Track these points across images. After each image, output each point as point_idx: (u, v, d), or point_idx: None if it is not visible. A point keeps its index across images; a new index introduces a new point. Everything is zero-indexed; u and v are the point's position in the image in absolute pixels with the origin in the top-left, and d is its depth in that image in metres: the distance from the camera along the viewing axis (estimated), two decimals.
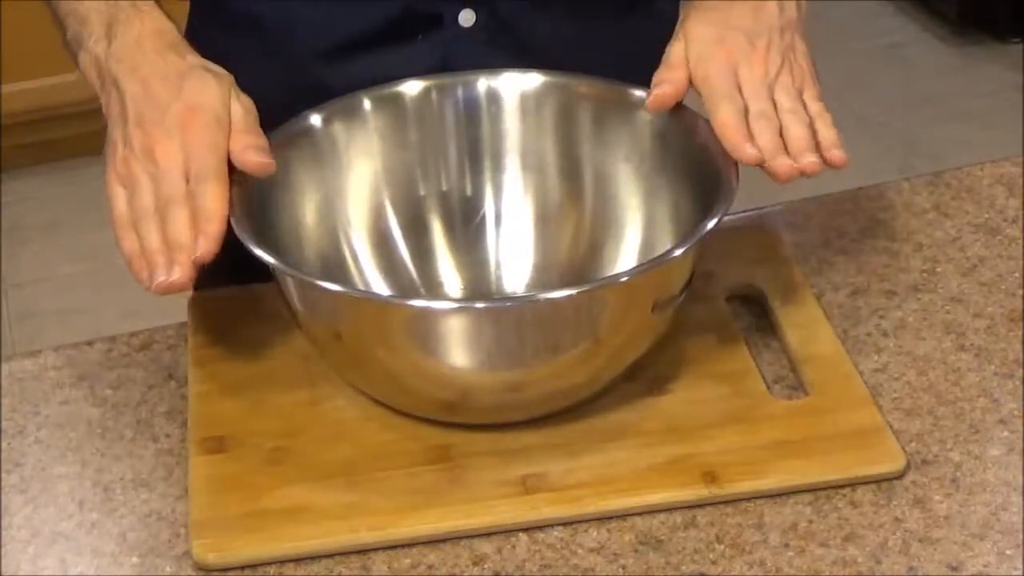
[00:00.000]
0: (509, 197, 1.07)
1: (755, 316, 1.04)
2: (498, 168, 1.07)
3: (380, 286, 1.04)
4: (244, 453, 0.94)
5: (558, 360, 0.91)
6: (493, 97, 1.06)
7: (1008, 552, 0.87)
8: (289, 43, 1.11)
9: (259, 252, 0.90)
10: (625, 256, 1.03)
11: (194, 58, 0.98)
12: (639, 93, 1.03)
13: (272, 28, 1.11)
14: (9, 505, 0.93)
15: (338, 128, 1.04)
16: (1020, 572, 0.86)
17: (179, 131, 0.93)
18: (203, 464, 0.93)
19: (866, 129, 2.65)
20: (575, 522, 0.90)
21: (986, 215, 1.13)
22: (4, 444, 0.97)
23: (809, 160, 0.95)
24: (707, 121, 0.99)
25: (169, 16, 1.00)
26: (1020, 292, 1.05)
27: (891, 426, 0.94)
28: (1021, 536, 0.88)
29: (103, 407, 1.00)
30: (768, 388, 0.98)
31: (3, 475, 0.95)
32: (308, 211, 1.02)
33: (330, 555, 0.88)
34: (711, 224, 0.91)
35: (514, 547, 0.89)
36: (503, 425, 0.94)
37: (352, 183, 1.05)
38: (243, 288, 1.06)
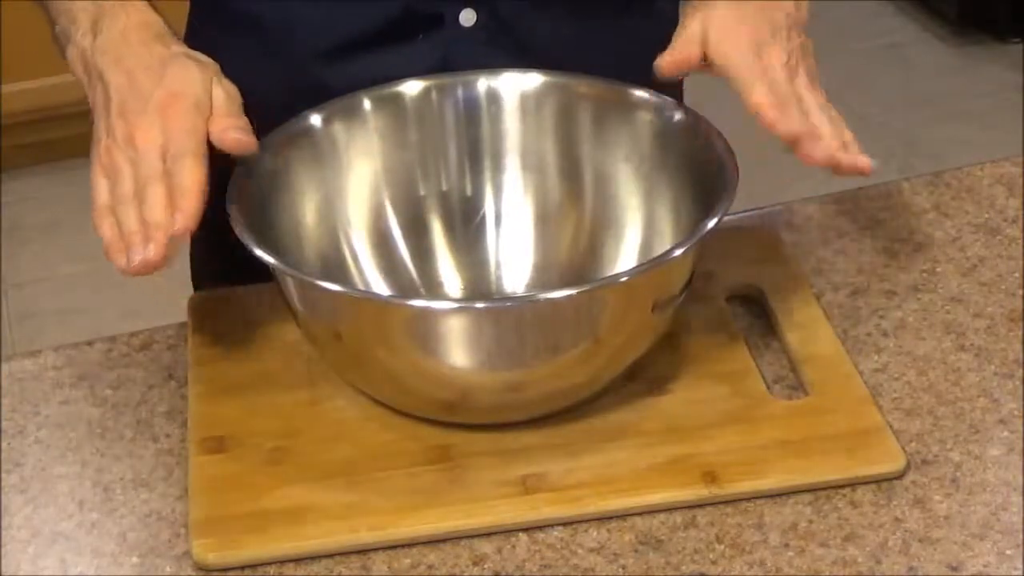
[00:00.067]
0: (509, 197, 1.07)
1: (755, 316, 1.04)
2: (498, 168, 1.07)
3: (380, 286, 1.04)
4: (244, 453, 0.94)
5: (558, 360, 0.91)
6: (493, 97, 1.06)
7: (1008, 552, 0.87)
8: (289, 43, 1.11)
9: (259, 252, 0.90)
10: (625, 256, 1.03)
11: (178, 47, 0.98)
12: (639, 93, 1.03)
13: (272, 28, 1.11)
14: (9, 505, 0.93)
15: (338, 128, 1.04)
16: (1020, 572, 0.86)
17: (159, 117, 0.93)
18: (203, 464, 0.93)
19: (866, 129, 2.64)
20: (575, 522, 0.90)
21: (986, 215, 1.13)
22: (4, 444, 0.97)
23: (844, 157, 0.95)
24: (707, 121, 0.99)
25: (156, 9, 1.00)
26: (1020, 292, 1.05)
27: (891, 426, 0.94)
28: (1021, 536, 0.88)
29: (103, 407, 1.00)
30: (768, 388, 0.98)
31: (3, 475, 0.95)
32: (308, 211, 1.02)
33: (330, 555, 0.88)
34: (711, 224, 0.91)
35: (514, 547, 0.89)
36: (503, 425, 0.94)
37: (352, 183, 1.05)
38: (243, 288, 1.06)
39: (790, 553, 0.87)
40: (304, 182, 1.02)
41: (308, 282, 0.91)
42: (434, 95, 1.06)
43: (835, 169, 0.97)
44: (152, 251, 0.89)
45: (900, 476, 0.91)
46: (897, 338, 1.02)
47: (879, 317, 1.04)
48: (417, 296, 1.04)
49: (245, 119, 0.96)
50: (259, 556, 0.88)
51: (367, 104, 1.05)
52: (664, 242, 0.99)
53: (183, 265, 1.31)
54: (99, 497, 0.93)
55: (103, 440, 0.97)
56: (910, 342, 1.02)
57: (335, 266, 1.03)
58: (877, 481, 0.91)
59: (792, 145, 0.96)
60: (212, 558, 0.88)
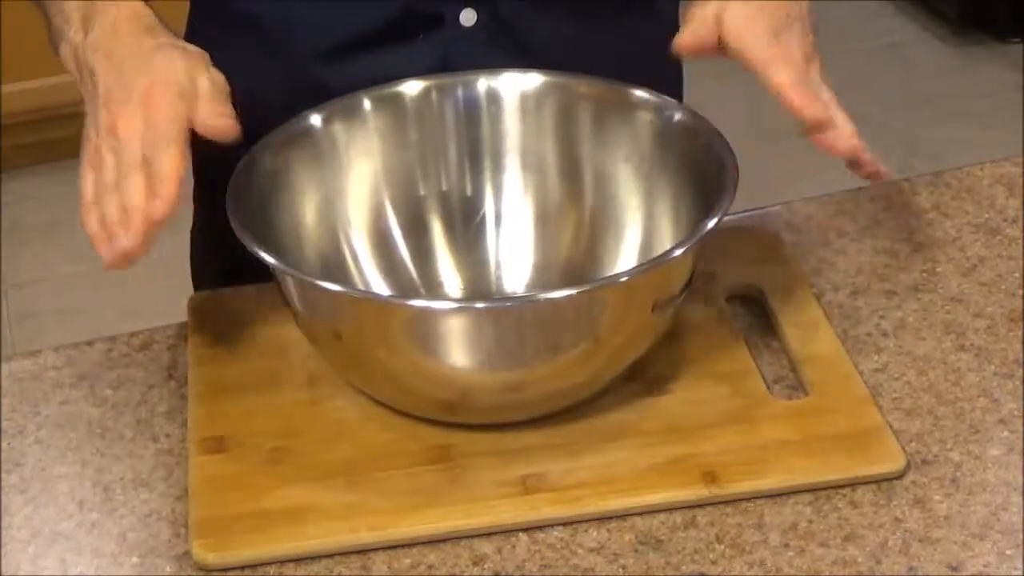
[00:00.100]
0: (509, 197, 1.07)
1: (755, 316, 1.04)
2: (498, 168, 1.07)
3: (380, 286, 1.04)
4: (244, 453, 0.94)
5: (558, 360, 0.91)
6: (493, 97, 1.06)
7: (1008, 552, 0.87)
8: (289, 43, 1.11)
9: (259, 252, 0.90)
10: (625, 256, 1.04)
11: (167, 38, 0.97)
12: (639, 93, 1.03)
13: (272, 28, 1.11)
14: (9, 505, 0.93)
15: (338, 128, 1.04)
16: (1020, 572, 0.86)
17: (142, 106, 0.92)
18: (203, 464, 0.93)
19: (866, 129, 2.64)
20: (575, 522, 0.90)
21: (986, 215, 1.13)
22: (4, 444, 0.97)
23: (868, 155, 0.95)
24: (707, 121, 0.99)
25: (149, 4, 1.00)
26: (1020, 292, 1.05)
27: (891, 426, 0.94)
28: (1021, 536, 0.88)
29: (103, 407, 1.00)
30: (768, 388, 0.98)
31: (3, 475, 0.95)
32: (308, 211, 1.03)
33: (330, 555, 0.88)
34: (711, 224, 0.91)
35: (514, 547, 0.89)
36: (503, 425, 0.94)
37: (352, 183, 1.05)
38: (243, 288, 1.06)
39: (790, 553, 0.87)
40: (304, 182, 1.02)
41: (308, 282, 0.91)
42: (434, 95, 1.06)
43: (855, 164, 0.96)
44: (128, 239, 0.88)
45: (900, 476, 0.91)
46: (897, 338, 1.02)
47: (879, 317, 1.04)
48: (417, 296, 1.04)
49: (230, 107, 0.95)
50: (259, 556, 0.88)
51: (367, 104, 1.05)
52: (664, 242, 0.99)
53: (183, 265, 1.31)
54: (99, 497, 0.93)
55: (103, 440, 0.97)
56: (910, 342, 1.02)
57: (335, 266, 1.03)
58: (877, 481, 0.91)
59: (813, 131, 0.95)
60: (212, 558, 0.88)
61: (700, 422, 0.94)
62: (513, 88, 1.06)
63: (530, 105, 1.06)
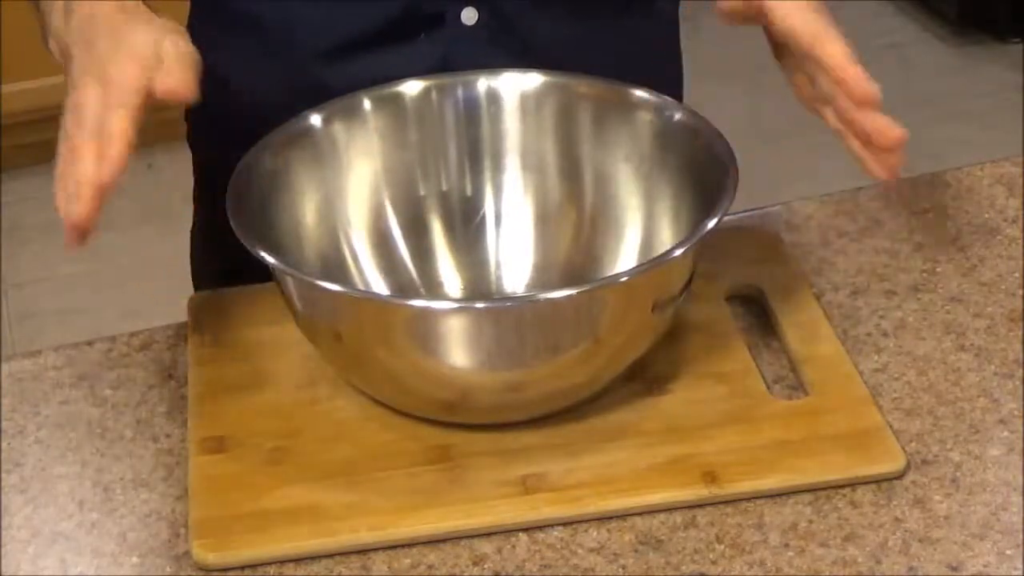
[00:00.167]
0: (509, 197, 1.07)
1: (755, 316, 1.04)
2: (498, 168, 1.07)
3: (380, 286, 1.04)
4: (244, 453, 0.94)
5: (558, 360, 0.91)
6: (493, 97, 1.06)
7: (1008, 552, 0.87)
8: (289, 43, 1.11)
9: (259, 252, 0.90)
10: (625, 256, 1.03)
11: (140, 12, 0.95)
12: (639, 93, 1.03)
13: (272, 28, 1.11)
14: (9, 505, 0.93)
15: (338, 128, 1.04)
16: (1020, 572, 0.86)
17: (101, 76, 0.90)
18: (203, 464, 0.93)
19: None
20: (575, 522, 0.90)
21: (986, 215, 1.13)
22: (4, 444, 0.97)
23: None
24: (707, 121, 0.99)
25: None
26: (1020, 292, 1.05)
27: (891, 426, 0.94)
28: (1021, 536, 0.88)
29: (103, 407, 1.00)
30: (768, 388, 0.98)
31: (3, 475, 0.95)
32: (308, 211, 1.02)
33: (330, 555, 0.88)
34: (711, 224, 0.91)
35: (514, 547, 0.89)
36: (503, 425, 0.94)
37: (352, 183, 1.05)
38: (243, 288, 1.06)
39: (790, 553, 0.87)
40: (304, 182, 1.02)
41: (308, 282, 0.91)
42: (434, 95, 1.06)
43: (889, 152, 0.94)
44: (76, 209, 0.86)
45: (900, 476, 0.91)
46: (897, 338, 1.02)
47: (879, 317, 1.04)
48: (417, 296, 1.04)
49: (190, 75, 0.92)
50: (259, 556, 0.88)
51: (367, 104, 1.05)
52: (664, 242, 1.00)
53: (183, 265, 1.31)
54: (99, 497, 0.93)
55: (103, 440, 0.97)
56: (910, 342, 1.02)
57: (335, 266, 1.03)
58: (877, 481, 0.91)
59: (861, 110, 0.93)
60: (212, 558, 0.88)
61: (700, 422, 0.94)
62: (513, 88, 1.06)
63: (530, 105, 1.06)
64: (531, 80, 1.06)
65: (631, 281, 0.90)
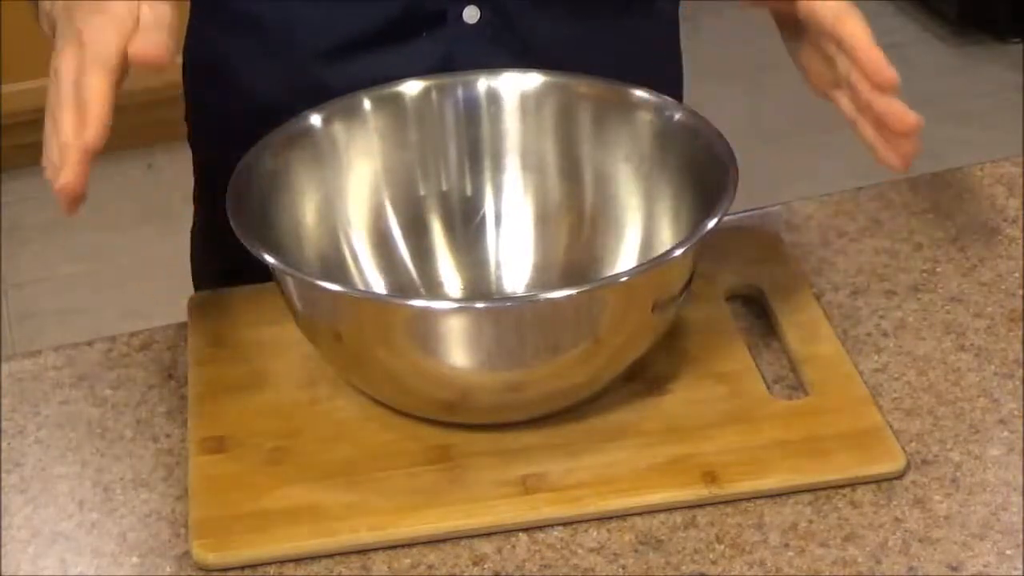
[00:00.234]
0: (509, 197, 1.07)
1: (755, 316, 1.04)
2: (498, 168, 1.07)
3: (380, 286, 1.04)
4: (244, 453, 0.94)
5: (558, 360, 0.91)
6: (493, 97, 1.06)
7: (1008, 552, 0.87)
8: (289, 43, 1.11)
9: (259, 252, 0.90)
10: (625, 256, 1.04)
11: None
12: (639, 93, 1.03)
13: (272, 28, 1.11)
14: (9, 505, 0.93)
15: (338, 128, 1.04)
16: (1020, 572, 0.86)
17: (77, 41, 0.89)
18: (203, 464, 0.93)
19: None
20: (575, 522, 0.90)
21: (986, 215, 1.13)
22: (4, 444, 0.97)
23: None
24: (707, 121, 0.99)
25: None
26: (1020, 292, 1.05)
27: (891, 426, 0.94)
28: (1021, 536, 0.88)
29: (103, 407, 1.00)
30: (768, 388, 0.98)
31: (3, 475, 0.95)
32: (308, 211, 1.03)
33: (330, 555, 0.88)
34: (711, 224, 0.91)
35: (514, 547, 0.89)
36: (503, 425, 0.94)
37: (352, 183, 1.05)
38: (243, 288, 1.06)
39: (790, 553, 0.87)
40: (304, 182, 1.02)
41: (308, 282, 0.91)
42: (434, 95, 1.06)
43: (904, 138, 0.94)
44: (62, 177, 0.85)
45: (900, 476, 0.91)
46: (897, 338, 1.02)
47: (879, 317, 1.04)
48: (417, 296, 1.04)
49: (166, 38, 0.90)
50: (259, 556, 0.88)
51: (367, 104, 1.05)
52: (664, 242, 1.00)
53: (183, 265, 1.31)
54: (99, 497, 0.93)
55: (103, 440, 0.97)
56: (910, 342, 1.02)
57: (335, 266, 1.03)
58: (877, 481, 0.91)
59: (880, 94, 0.93)
60: (212, 558, 0.88)
61: (700, 422, 0.94)
62: (513, 88, 1.06)
63: (530, 105, 1.06)
64: (531, 80, 1.06)
65: (631, 281, 0.90)
